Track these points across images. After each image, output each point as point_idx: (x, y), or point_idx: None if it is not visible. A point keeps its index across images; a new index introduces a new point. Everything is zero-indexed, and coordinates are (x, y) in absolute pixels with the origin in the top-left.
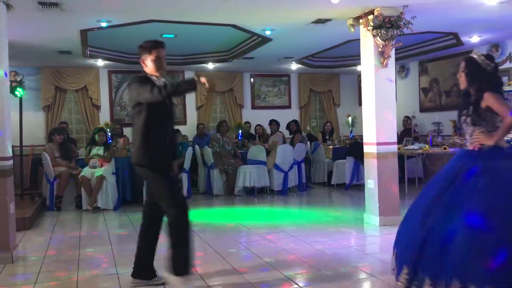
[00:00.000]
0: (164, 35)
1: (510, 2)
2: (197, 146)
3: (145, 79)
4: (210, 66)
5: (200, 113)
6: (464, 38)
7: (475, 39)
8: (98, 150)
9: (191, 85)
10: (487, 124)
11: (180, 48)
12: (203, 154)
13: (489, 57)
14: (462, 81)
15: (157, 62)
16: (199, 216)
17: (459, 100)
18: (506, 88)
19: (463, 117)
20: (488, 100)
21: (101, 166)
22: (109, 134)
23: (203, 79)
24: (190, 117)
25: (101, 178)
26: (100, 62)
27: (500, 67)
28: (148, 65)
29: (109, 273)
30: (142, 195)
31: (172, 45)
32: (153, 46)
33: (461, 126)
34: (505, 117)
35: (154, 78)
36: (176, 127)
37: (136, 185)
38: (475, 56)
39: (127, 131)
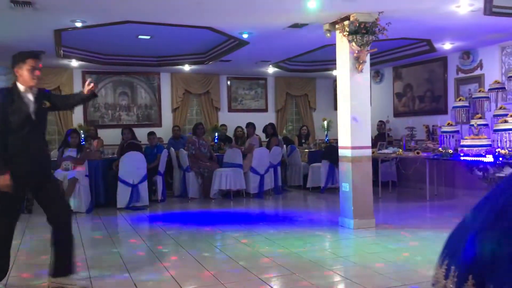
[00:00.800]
0: (139, 36)
1: (481, 11)
2: (172, 149)
3: (7, 94)
4: (187, 68)
5: (176, 115)
6: (437, 45)
7: (447, 46)
8: (71, 152)
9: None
10: None
11: (156, 49)
12: (178, 157)
13: None
14: None
15: (32, 73)
16: (174, 219)
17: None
18: (476, 94)
19: None
20: None
21: (74, 169)
22: (83, 136)
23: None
24: (165, 119)
25: (74, 180)
26: (74, 63)
27: (471, 74)
28: (23, 75)
29: (82, 277)
30: (116, 198)
31: (148, 47)
32: (29, 55)
33: None
34: None
35: (23, 89)
36: (151, 129)
37: (109, 187)
38: None
39: (102, 133)
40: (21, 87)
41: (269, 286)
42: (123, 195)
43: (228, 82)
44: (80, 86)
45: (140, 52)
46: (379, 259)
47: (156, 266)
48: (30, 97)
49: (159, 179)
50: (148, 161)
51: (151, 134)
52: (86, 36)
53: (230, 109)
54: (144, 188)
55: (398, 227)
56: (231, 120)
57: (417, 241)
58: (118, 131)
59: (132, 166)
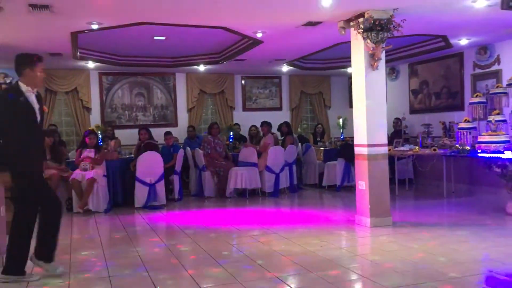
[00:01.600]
0: (155, 37)
1: (498, 6)
2: (188, 148)
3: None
4: (201, 68)
5: (191, 115)
6: (453, 41)
7: (464, 41)
8: (89, 153)
9: None
10: None
11: (171, 50)
12: (194, 156)
13: None
14: None
15: (41, 76)
16: (191, 218)
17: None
18: (494, 90)
19: None
20: None
21: (92, 169)
22: (100, 136)
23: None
24: (181, 119)
25: (92, 180)
26: (90, 64)
27: (489, 69)
28: (33, 77)
29: (102, 276)
30: (134, 198)
31: (163, 47)
32: (40, 59)
33: None
34: None
35: (25, 90)
36: (167, 129)
37: (127, 187)
38: None
39: (119, 133)
40: (24, 87)
41: (286, 284)
42: (140, 194)
43: (243, 81)
44: (97, 87)
45: (155, 53)
46: (396, 258)
47: (174, 264)
48: (33, 97)
49: (175, 178)
50: (165, 160)
51: (167, 134)
52: (102, 37)
53: (245, 108)
54: (161, 187)
55: (415, 225)
56: (246, 119)
57: (434, 239)
58: (135, 131)
59: (149, 166)
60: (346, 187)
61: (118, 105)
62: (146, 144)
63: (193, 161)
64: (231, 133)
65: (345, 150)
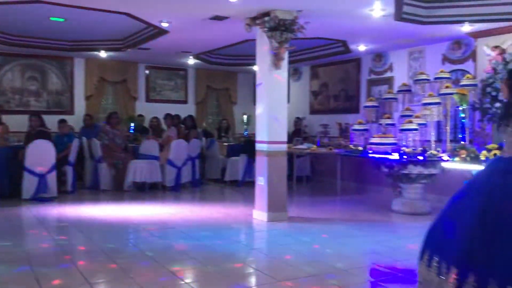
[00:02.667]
0: (52, 18)
1: (392, 16)
2: (84, 138)
3: None
4: (103, 54)
5: (90, 103)
6: (352, 46)
7: (362, 47)
8: None
9: None
10: None
11: (69, 33)
12: (90, 146)
13: None
14: (505, 92)
15: None
16: (84, 212)
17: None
18: (385, 95)
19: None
20: None
21: None
22: None
23: None
24: (78, 107)
25: None
26: None
27: (382, 76)
28: None
29: None
30: (21, 189)
31: (61, 30)
32: None
33: (504, 134)
34: None
35: None
36: (62, 117)
37: (14, 178)
38: None
39: (7, 119)
40: None
41: (179, 278)
42: (29, 185)
43: (147, 71)
44: None
45: (52, 35)
46: (290, 251)
47: (61, 259)
48: None
49: (69, 170)
50: (58, 150)
51: (61, 121)
52: None
53: (148, 99)
54: (52, 178)
55: (309, 220)
56: (149, 111)
57: (326, 234)
58: (25, 117)
59: (39, 155)
60: (248, 183)
61: (7, 88)
62: (38, 132)
63: (89, 152)
64: (132, 124)
65: (247, 146)
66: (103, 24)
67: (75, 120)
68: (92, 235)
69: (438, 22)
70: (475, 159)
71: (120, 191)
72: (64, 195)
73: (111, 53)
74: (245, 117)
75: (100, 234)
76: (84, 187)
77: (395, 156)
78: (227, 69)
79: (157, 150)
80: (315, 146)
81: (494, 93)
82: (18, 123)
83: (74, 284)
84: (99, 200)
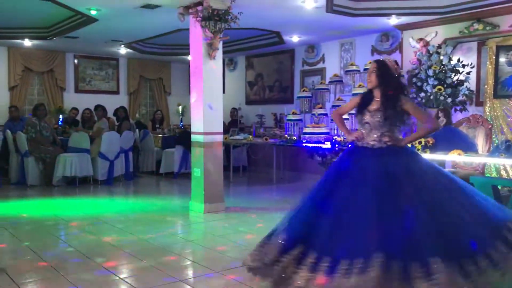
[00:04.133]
0: None
1: (324, 8)
2: (8, 131)
3: None
4: (27, 43)
5: (14, 94)
6: (285, 37)
7: (295, 39)
8: None
9: None
10: (400, 125)
11: None
12: (16, 140)
13: (397, 63)
14: (372, 81)
15: None
16: (10, 208)
17: (365, 97)
18: (318, 86)
19: (370, 114)
20: (406, 104)
21: None
22: None
23: None
24: (1, 98)
25: None
26: None
27: (314, 67)
28: None
29: None
30: None
31: None
32: None
33: (363, 122)
34: (425, 123)
35: None
36: None
37: None
38: (386, 60)
39: None
40: None
41: (115, 274)
42: None
43: (76, 61)
44: None
45: None
46: (227, 241)
47: None
48: None
49: None
50: None
51: None
52: None
53: (77, 90)
54: None
55: (246, 209)
56: (79, 102)
57: (263, 223)
58: None
59: None
60: (184, 174)
61: None
62: None
63: (15, 146)
64: (61, 116)
65: (183, 137)
66: (26, 11)
67: None
68: (19, 233)
69: (367, 14)
70: None
71: (49, 186)
72: None
73: (36, 42)
74: (180, 107)
75: (28, 232)
76: (10, 183)
77: (328, 145)
78: (161, 58)
79: (88, 142)
80: (251, 136)
81: (419, 83)
82: None
83: None
84: (26, 196)
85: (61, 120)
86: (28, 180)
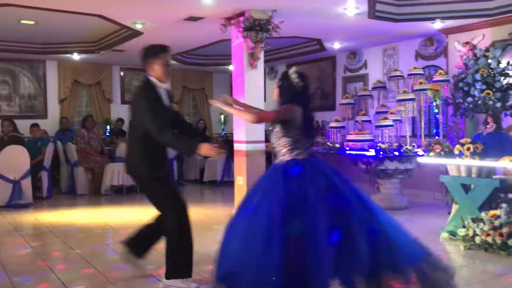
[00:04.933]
0: (22, 21)
1: (366, 15)
2: (59, 142)
3: (151, 92)
4: (76, 57)
5: (64, 106)
6: (326, 45)
7: (336, 45)
8: None
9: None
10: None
11: (40, 36)
12: (66, 151)
13: (301, 75)
14: (275, 93)
15: (165, 68)
16: (61, 217)
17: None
18: (361, 93)
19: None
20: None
21: None
22: None
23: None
24: (51, 111)
25: None
26: None
27: (357, 73)
28: (156, 70)
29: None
30: None
31: (32, 32)
32: (161, 50)
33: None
34: (268, 113)
35: (158, 84)
36: (36, 121)
37: None
38: (289, 71)
39: None
40: (156, 82)
41: (161, 281)
42: (3, 192)
43: (121, 73)
44: None
45: (23, 38)
46: None
47: (40, 267)
48: (164, 94)
49: (44, 175)
50: (32, 155)
51: (33, 126)
52: None
53: (124, 101)
54: (27, 184)
55: None
56: (125, 113)
57: None
58: None
59: (13, 161)
60: (226, 182)
61: None
62: (10, 137)
63: (65, 156)
64: (108, 127)
65: (226, 146)
66: (75, 26)
67: (49, 124)
68: (70, 241)
69: (410, 19)
70: (449, 154)
71: (97, 195)
72: (40, 201)
73: (84, 56)
74: (222, 116)
75: (78, 240)
76: (61, 193)
77: (372, 152)
78: (203, 69)
79: None
80: None
81: (466, 88)
82: None
83: None
84: (76, 205)
85: (108, 131)
86: (78, 190)
